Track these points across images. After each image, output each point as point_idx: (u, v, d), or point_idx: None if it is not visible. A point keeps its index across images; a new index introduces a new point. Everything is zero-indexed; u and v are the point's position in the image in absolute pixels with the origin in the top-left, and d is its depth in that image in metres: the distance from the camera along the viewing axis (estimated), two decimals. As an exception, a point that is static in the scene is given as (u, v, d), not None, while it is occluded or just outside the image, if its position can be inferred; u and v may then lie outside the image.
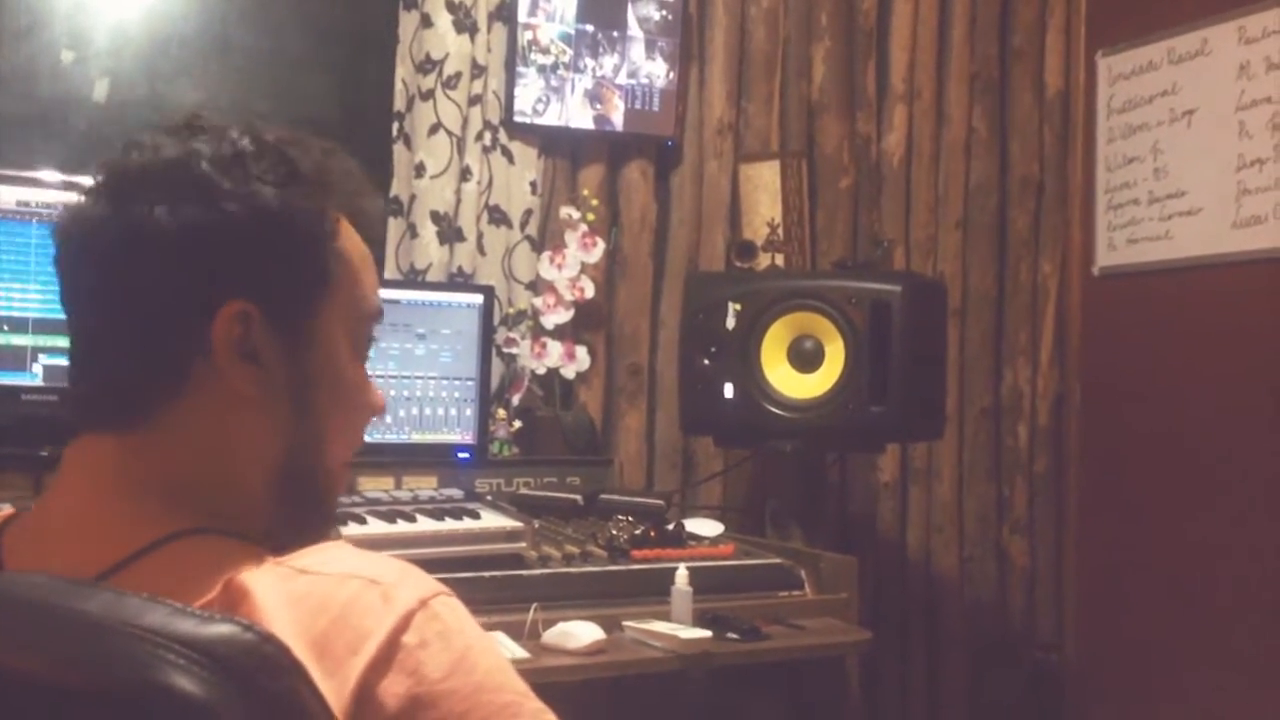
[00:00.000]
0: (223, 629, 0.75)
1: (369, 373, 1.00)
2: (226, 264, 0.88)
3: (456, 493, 2.26)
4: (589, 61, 2.77)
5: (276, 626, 0.79)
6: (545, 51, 2.73)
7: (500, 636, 1.76)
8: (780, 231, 2.88)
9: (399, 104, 2.67)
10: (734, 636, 1.90)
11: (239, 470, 0.91)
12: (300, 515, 0.95)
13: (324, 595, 0.81)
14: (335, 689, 0.78)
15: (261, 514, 0.93)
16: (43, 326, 2.12)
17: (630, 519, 2.23)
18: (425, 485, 2.32)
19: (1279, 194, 2.53)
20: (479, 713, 0.81)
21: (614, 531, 2.16)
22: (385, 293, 2.61)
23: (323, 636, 0.79)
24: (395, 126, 2.67)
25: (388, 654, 0.79)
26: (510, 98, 2.70)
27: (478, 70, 2.68)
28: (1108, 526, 3.10)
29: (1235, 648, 2.63)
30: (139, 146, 0.91)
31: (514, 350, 2.67)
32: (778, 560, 2.18)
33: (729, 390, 2.45)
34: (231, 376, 0.88)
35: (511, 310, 2.70)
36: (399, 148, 2.67)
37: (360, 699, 0.78)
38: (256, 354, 0.88)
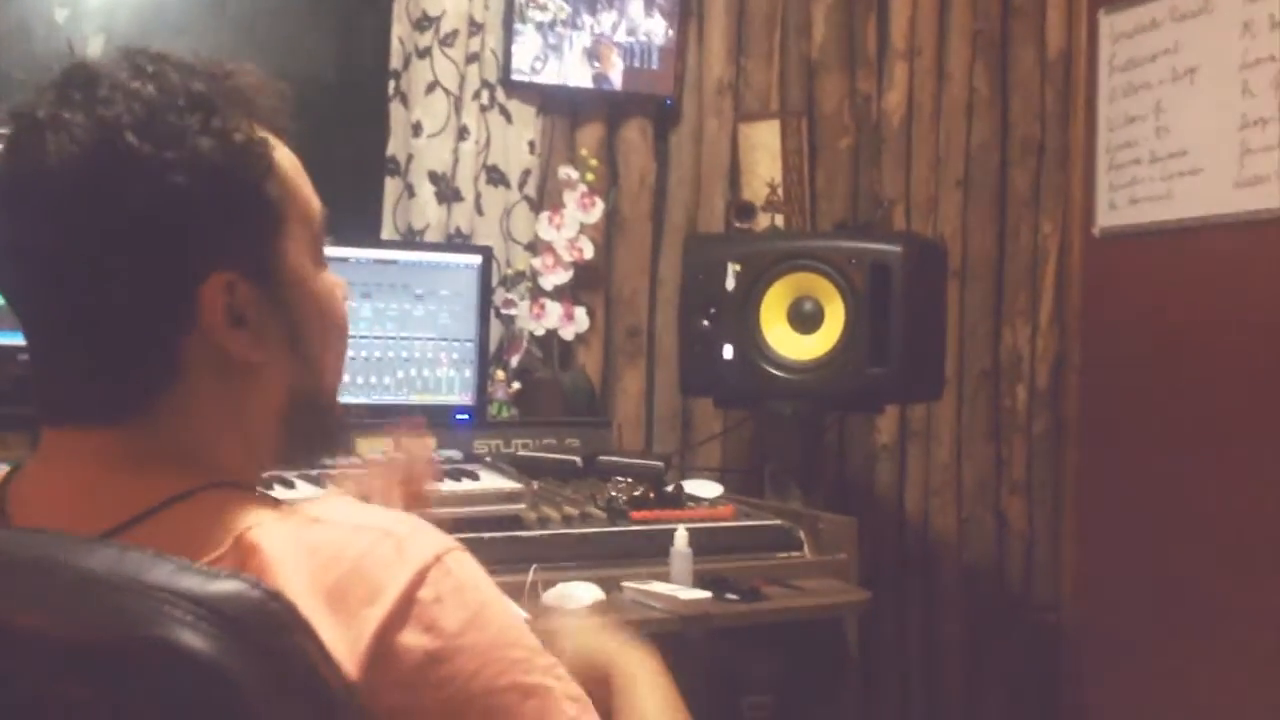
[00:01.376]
0: (228, 585, 0.75)
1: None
2: (193, 239, 0.85)
3: (455, 454, 2.25)
4: (587, 18, 2.74)
5: (289, 576, 0.79)
6: (543, 8, 2.70)
7: (499, 597, 1.76)
8: (780, 192, 2.86)
9: (395, 62, 2.64)
10: (733, 597, 1.90)
11: (246, 430, 0.91)
12: (310, 443, 0.96)
13: (338, 545, 0.81)
14: (349, 639, 0.78)
15: (269, 455, 0.94)
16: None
17: (629, 480, 2.23)
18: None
19: (1282, 154, 2.51)
20: (493, 668, 0.81)
21: (613, 493, 2.16)
22: (382, 253, 2.60)
23: (337, 586, 0.79)
24: (392, 85, 2.65)
25: (404, 608, 0.79)
26: (508, 55, 2.68)
27: (475, 28, 2.66)
28: (1106, 488, 3.10)
29: (1233, 609, 2.64)
30: (36, 128, 0.83)
31: (512, 311, 2.66)
32: (776, 521, 2.18)
33: (728, 351, 2.44)
34: (227, 347, 0.87)
35: (510, 271, 2.69)
36: (395, 106, 2.65)
37: (377, 651, 0.78)
38: (244, 316, 0.87)
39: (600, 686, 1.09)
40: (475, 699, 0.81)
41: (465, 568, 0.84)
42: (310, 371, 0.93)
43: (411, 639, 0.79)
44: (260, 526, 0.82)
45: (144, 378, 0.86)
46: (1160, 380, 2.90)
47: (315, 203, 0.94)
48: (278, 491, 1.89)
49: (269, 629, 0.75)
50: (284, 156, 0.91)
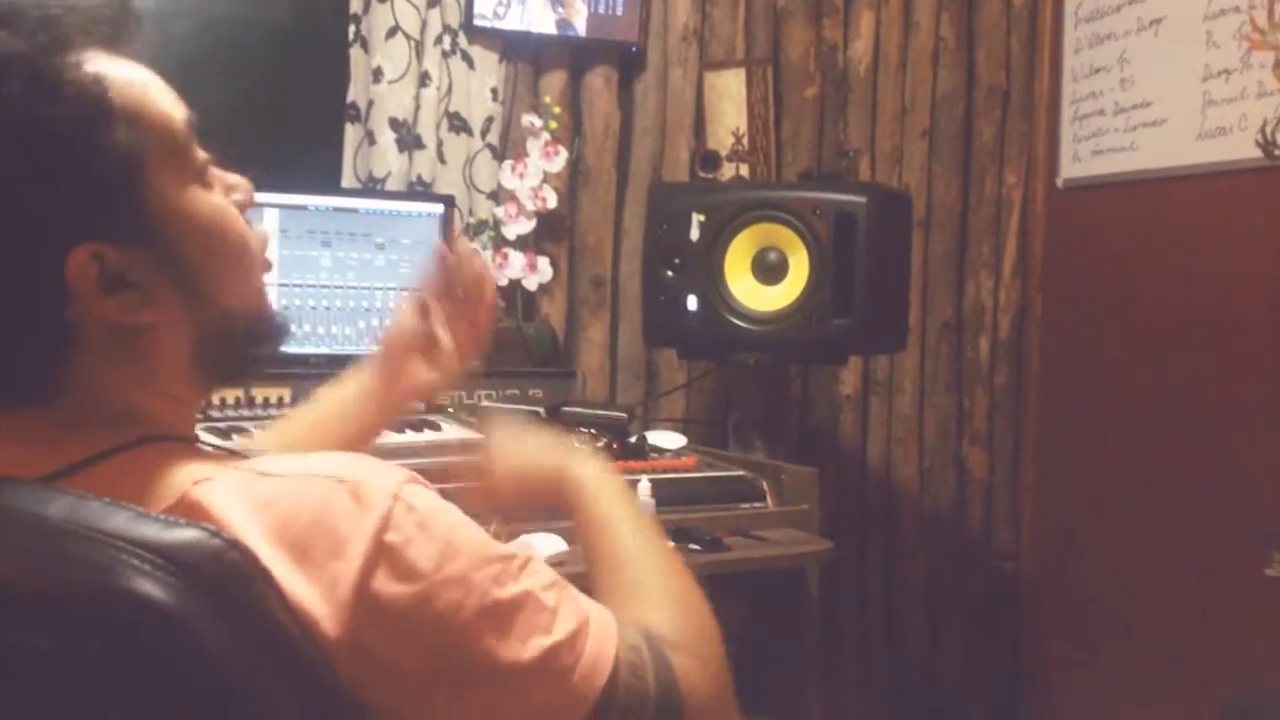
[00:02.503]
0: (187, 534, 0.74)
1: (220, 178, 0.92)
2: (43, 219, 0.80)
3: (417, 405, 2.24)
4: (551, -36, 2.70)
5: (244, 530, 0.78)
6: (506, -47, 2.66)
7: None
8: (745, 141, 2.85)
9: (355, 6, 2.59)
10: (696, 548, 1.91)
11: (163, 383, 0.88)
12: (232, 368, 0.94)
13: (293, 498, 0.80)
14: (322, 593, 0.77)
15: (195, 395, 0.93)
16: None
17: (592, 431, 2.23)
18: (385, 397, 2.30)
19: (1245, 105, 2.51)
20: (475, 593, 0.82)
21: (576, 444, 2.16)
22: (343, 201, 2.57)
23: (299, 540, 0.79)
24: (352, 29, 2.60)
25: (375, 556, 0.79)
26: (470, 1, 2.63)
27: (436, -28, 2.61)
28: (1065, 438, 3.13)
29: (1187, 557, 2.67)
30: None
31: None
32: (739, 472, 2.19)
33: (692, 302, 2.43)
34: (109, 316, 0.83)
35: (473, 220, 2.66)
36: (356, 51, 2.60)
37: (360, 603, 0.78)
38: (123, 278, 0.83)
39: (554, 498, 1.10)
40: (467, 627, 0.81)
41: (423, 498, 0.84)
42: (212, 305, 0.89)
43: (392, 586, 0.79)
44: (207, 482, 0.81)
45: (35, 359, 0.83)
46: (1121, 332, 2.92)
47: (173, 118, 0.87)
48: (235, 442, 1.88)
49: (228, 577, 0.74)
50: (124, 83, 0.84)
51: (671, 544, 1.07)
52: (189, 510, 0.79)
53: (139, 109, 0.84)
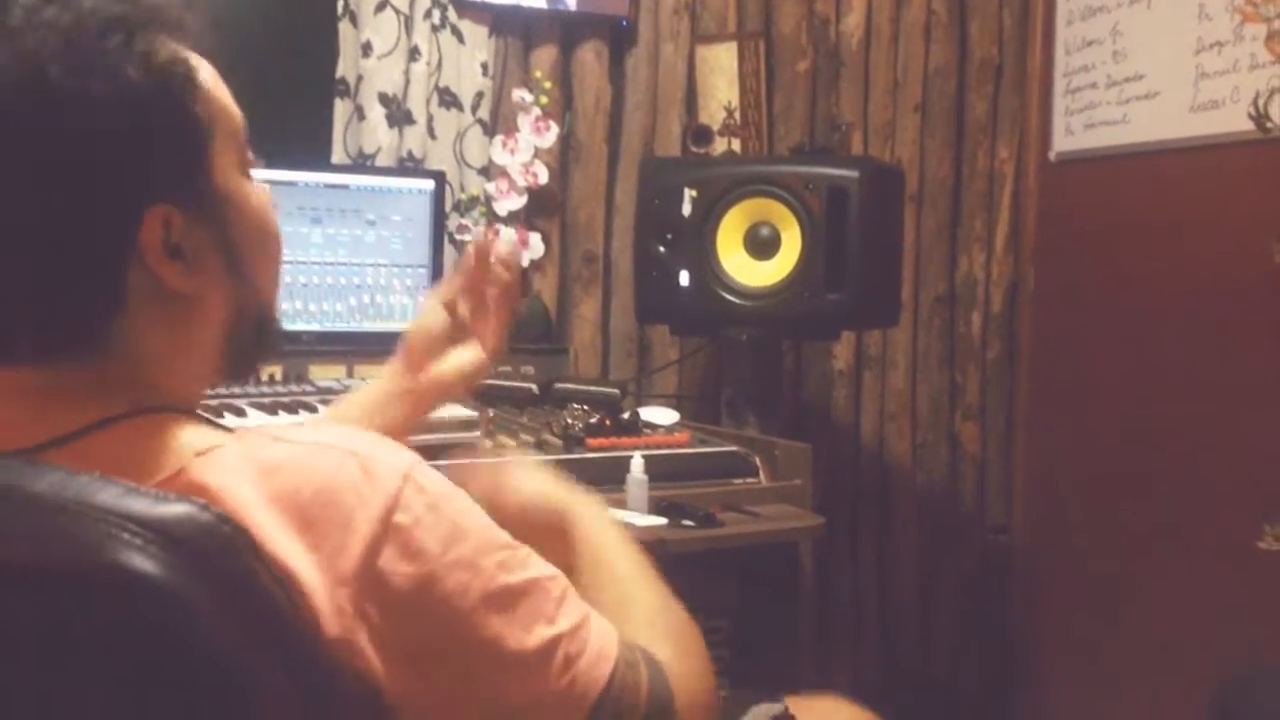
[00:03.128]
0: (178, 508, 0.74)
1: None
2: (128, 175, 0.82)
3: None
4: (541, -63, 2.68)
5: (245, 499, 0.78)
6: (495, -74, 2.64)
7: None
8: (737, 115, 2.83)
9: (344, -20, 2.58)
10: (689, 524, 1.91)
11: (192, 355, 0.90)
12: (249, 357, 0.96)
13: (302, 464, 0.81)
14: (321, 562, 0.78)
15: (213, 375, 0.93)
16: None
17: (585, 408, 2.22)
18: (377, 374, 2.29)
19: (1237, 78, 2.51)
20: (481, 577, 0.83)
21: (569, 420, 2.16)
22: (333, 178, 2.57)
23: (306, 508, 0.79)
24: (340, 3, 2.58)
25: (383, 533, 0.79)
26: (459, -26, 2.62)
27: (425, -55, 2.59)
28: (1057, 412, 3.13)
29: (1180, 529, 2.68)
30: None
31: (466, 237, 2.63)
32: (732, 448, 2.19)
33: (685, 278, 2.42)
34: (165, 279, 0.85)
35: (464, 196, 2.65)
36: (345, 25, 2.59)
37: (363, 579, 0.78)
38: (180, 247, 0.85)
39: (553, 536, 1.10)
40: (472, 611, 0.82)
41: (432, 480, 0.85)
42: (250, 289, 0.92)
43: (398, 566, 0.79)
44: (211, 453, 0.81)
45: (87, 312, 0.84)
46: (1113, 306, 2.92)
47: (237, 112, 0.92)
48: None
49: (220, 551, 0.74)
50: (205, 71, 0.89)
51: (664, 586, 1.09)
52: (187, 485, 0.79)
53: (214, 95, 0.89)
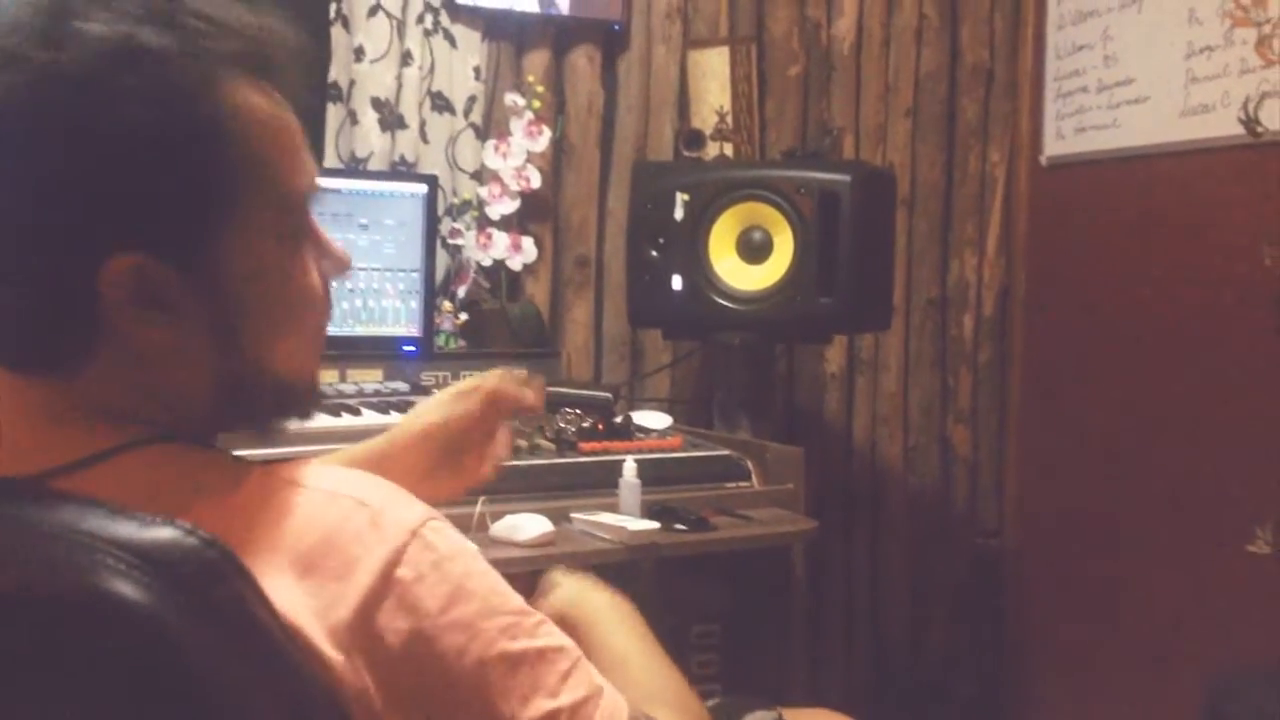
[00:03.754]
0: (164, 533, 0.73)
1: (318, 242, 0.88)
2: (103, 211, 0.77)
3: (402, 386, 2.24)
4: (533, -58, 2.69)
5: (259, 538, 0.77)
6: (487, -69, 2.64)
7: (447, 530, 1.75)
8: (729, 120, 2.84)
9: (336, -16, 2.58)
10: (681, 527, 1.91)
11: (175, 401, 0.84)
12: (252, 420, 0.89)
13: (311, 511, 0.79)
14: (319, 609, 0.76)
15: (210, 420, 0.88)
16: None
17: (578, 412, 2.22)
18: (370, 379, 2.30)
19: (1228, 82, 2.51)
20: (480, 640, 0.80)
21: (561, 424, 2.16)
22: (325, 182, 2.56)
23: (309, 554, 0.77)
24: (333, 8, 2.58)
25: (383, 588, 0.77)
26: (451, -21, 2.62)
27: (417, -50, 2.59)
28: (1049, 416, 3.14)
29: (1171, 532, 2.69)
30: None
31: (459, 241, 2.63)
32: (725, 452, 2.19)
33: (677, 282, 2.43)
34: (136, 329, 0.80)
35: (456, 200, 2.65)
36: (337, 30, 2.58)
37: (358, 631, 0.77)
38: (160, 301, 0.79)
39: (570, 631, 1.10)
40: (466, 675, 0.79)
41: (444, 538, 0.82)
42: (246, 358, 0.84)
43: (394, 620, 0.77)
44: (213, 499, 0.79)
45: (63, 337, 0.81)
46: (1104, 310, 2.93)
47: (297, 175, 0.85)
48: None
49: (206, 577, 0.73)
50: (261, 125, 0.82)
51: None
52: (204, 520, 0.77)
53: (259, 154, 0.82)
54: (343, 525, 0.79)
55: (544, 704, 0.81)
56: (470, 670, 0.79)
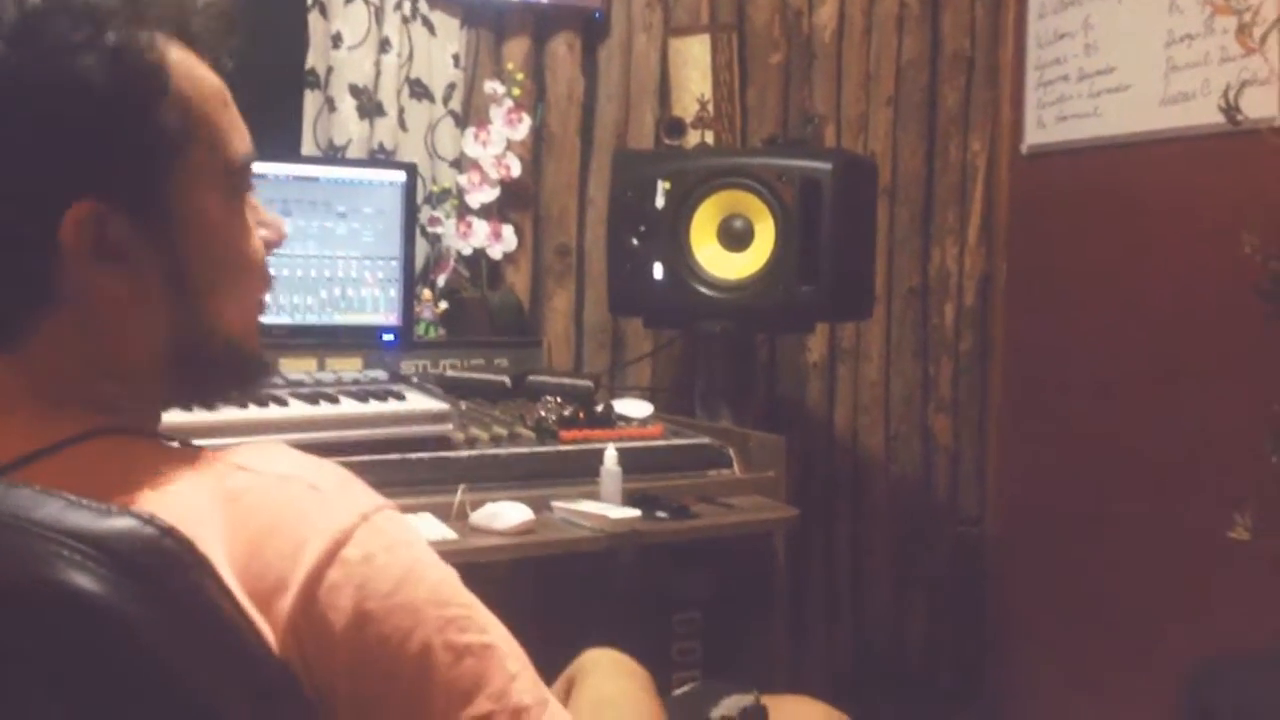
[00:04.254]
0: (121, 523, 0.72)
1: (255, 210, 0.91)
2: (58, 163, 0.79)
3: (381, 375, 2.22)
4: (512, -72, 2.67)
5: (207, 525, 0.76)
6: (466, -83, 2.62)
7: (427, 518, 1.74)
8: (710, 108, 2.83)
9: (314, -29, 2.56)
10: (662, 515, 1.91)
11: (125, 368, 0.85)
12: (202, 387, 0.91)
13: (261, 494, 0.78)
14: (267, 591, 0.75)
15: (157, 396, 0.89)
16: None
17: (558, 400, 2.21)
18: (349, 368, 2.28)
19: (1208, 70, 2.52)
20: (427, 627, 0.78)
21: (542, 413, 2.15)
22: (303, 169, 2.55)
23: (257, 536, 0.77)
24: (310, -5, 2.56)
25: (327, 565, 0.76)
26: (430, -35, 2.60)
27: (396, -64, 2.57)
28: (1029, 404, 3.15)
29: (1151, 520, 2.70)
30: None
31: (438, 230, 2.61)
32: (706, 440, 2.18)
33: (658, 270, 2.42)
34: (94, 282, 0.81)
35: (436, 188, 2.64)
36: (314, 16, 2.56)
37: (301, 612, 0.76)
38: (116, 251, 0.81)
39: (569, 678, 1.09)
40: (410, 659, 0.78)
41: (395, 525, 0.81)
42: (197, 315, 0.86)
43: (338, 597, 0.76)
44: (160, 491, 0.78)
45: (13, 302, 0.81)
46: (1084, 298, 2.93)
47: (234, 135, 0.87)
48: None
49: (164, 567, 0.72)
50: (196, 82, 0.84)
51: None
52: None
53: (199, 108, 0.84)
54: (292, 506, 0.78)
55: (485, 704, 0.79)
56: (412, 657, 0.78)
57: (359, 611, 0.76)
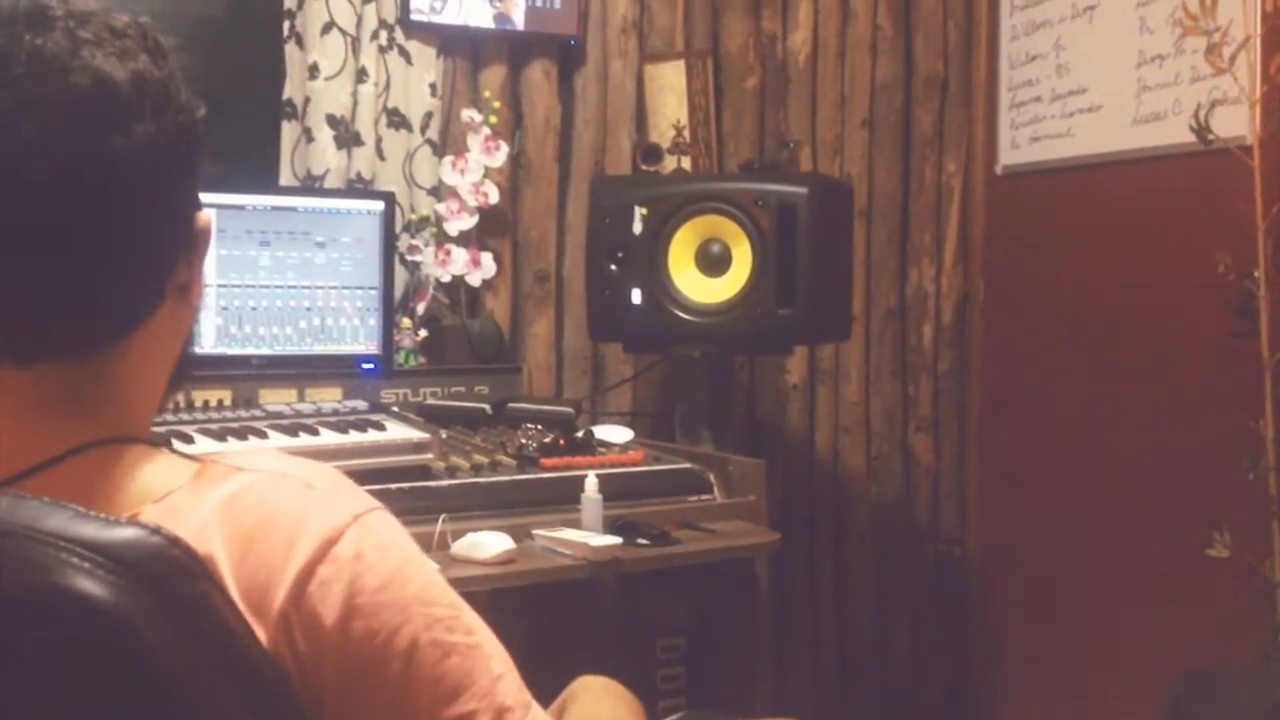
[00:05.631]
0: (127, 532, 0.73)
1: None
2: (193, 178, 0.87)
3: (361, 404, 2.22)
4: (487, -43, 2.68)
5: (208, 528, 0.78)
6: (441, -54, 2.63)
7: (409, 549, 1.74)
8: (686, 133, 2.84)
9: (289, 1, 2.56)
10: (644, 542, 1.91)
11: (163, 376, 0.90)
12: (177, 388, 0.95)
13: (257, 491, 0.80)
14: (261, 586, 0.77)
15: (159, 402, 0.93)
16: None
17: (539, 427, 2.21)
18: (329, 398, 2.28)
19: (1179, 90, 2.54)
20: (415, 624, 0.80)
21: (523, 440, 2.15)
22: (281, 200, 2.55)
23: (252, 531, 0.78)
24: (286, 25, 2.56)
25: (318, 561, 0.78)
26: (406, -5, 2.61)
27: (371, -34, 2.58)
28: (1008, 423, 3.16)
29: (1131, 538, 2.71)
30: (63, 56, 0.79)
31: (417, 258, 2.62)
32: (687, 465, 2.19)
33: (637, 296, 2.43)
34: (189, 285, 0.88)
35: (414, 217, 2.64)
36: (291, 48, 2.57)
37: (292, 605, 0.77)
38: (186, 284, 0.88)
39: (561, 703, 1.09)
40: (396, 655, 0.79)
41: (386, 527, 0.83)
42: (194, 313, 0.92)
43: (328, 593, 0.78)
44: (163, 505, 0.80)
45: (134, 310, 0.84)
46: (1061, 316, 2.95)
47: None
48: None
49: (170, 575, 0.73)
50: None
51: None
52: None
53: None
54: (287, 503, 0.80)
55: (469, 704, 0.80)
56: (401, 653, 0.79)
57: (348, 607, 0.78)
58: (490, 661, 0.83)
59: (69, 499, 0.75)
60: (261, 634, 0.77)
